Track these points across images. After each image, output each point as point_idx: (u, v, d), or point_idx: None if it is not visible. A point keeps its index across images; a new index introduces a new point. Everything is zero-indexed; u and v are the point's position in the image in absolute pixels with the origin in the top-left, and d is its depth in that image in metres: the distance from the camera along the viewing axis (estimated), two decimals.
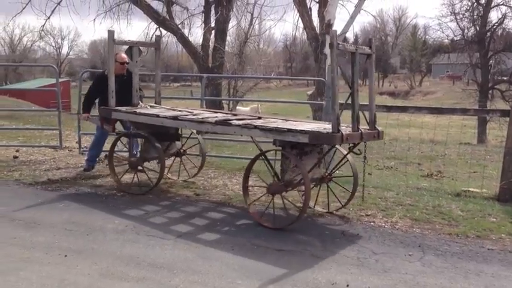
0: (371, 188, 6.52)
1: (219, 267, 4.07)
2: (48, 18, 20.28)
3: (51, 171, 7.27)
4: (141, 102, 6.89)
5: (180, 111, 6.36)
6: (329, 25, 14.11)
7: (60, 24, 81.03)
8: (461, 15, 28.71)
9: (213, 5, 21.70)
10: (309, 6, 15.09)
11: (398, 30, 75.23)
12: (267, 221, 5.10)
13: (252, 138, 5.40)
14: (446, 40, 34.18)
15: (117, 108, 6.44)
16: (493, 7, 28.19)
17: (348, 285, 3.77)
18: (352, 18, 14.85)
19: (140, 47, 7.33)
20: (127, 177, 6.72)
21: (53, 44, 68.29)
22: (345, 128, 4.97)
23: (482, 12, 28.16)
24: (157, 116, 5.95)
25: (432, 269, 4.12)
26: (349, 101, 5.03)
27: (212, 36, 21.80)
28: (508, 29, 29.61)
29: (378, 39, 73.68)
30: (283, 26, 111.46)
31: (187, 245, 4.54)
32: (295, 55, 59.23)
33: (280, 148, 5.12)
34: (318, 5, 14.95)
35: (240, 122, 5.28)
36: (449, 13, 29.22)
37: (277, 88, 53.54)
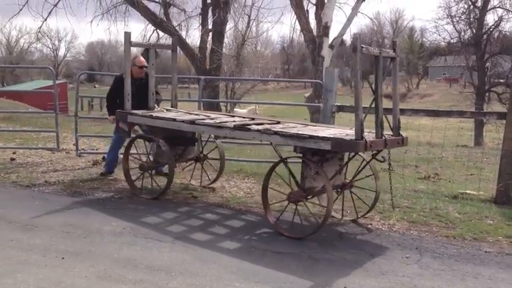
0: (367, 190, 6.51)
1: (216, 269, 4.06)
2: (45, 19, 20.25)
3: (48, 174, 7.25)
4: (158, 106, 6.79)
5: (197, 115, 6.23)
6: (326, 27, 14.16)
7: (57, 25, 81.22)
8: (457, 18, 28.84)
9: (211, 7, 21.70)
10: (306, 9, 15.16)
11: (395, 33, 75.26)
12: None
13: (271, 144, 5.27)
14: (443, 43, 34.38)
15: (133, 111, 6.33)
16: (490, 10, 28.33)
17: (345, 287, 3.78)
18: (349, 20, 14.91)
19: (157, 50, 7.25)
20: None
21: (50, 46, 68.24)
22: (368, 135, 4.79)
23: (478, 15, 28.28)
24: (174, 120, 5.82)
25: (429, 272, 4.12)
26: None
27: (209, 38, 21.82)
28: (505, 31, 29.74)
29: (375, 41, 73.87)
30: (280, 28, 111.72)
31: (185, 247, 4.54)
32: (293, 57, 59.41)
33: (300, 155, 4.93)
34: (315, 7, 15.01)
35: (260, 127, 5.14)
36: (446, 16, 29.37)
37: (275, 90, 53.58)
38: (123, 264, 4.10)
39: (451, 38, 30.17)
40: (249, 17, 23.52)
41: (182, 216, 5.47)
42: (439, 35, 31.79)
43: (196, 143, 6.72)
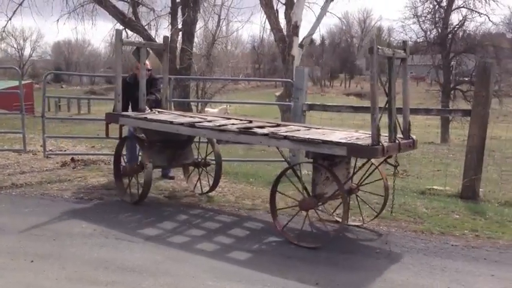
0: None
1: (189, 269, 4.06)
2: (10, 19, 19.73)
3: (15, 176, 7.09)
4: (158, 106, 6.53)
5: (192, 117, 5.97)
6: (296, 27, 14.28)
7: (22, 25, 78.93)
8: (423, 18, 29.44)
9: (180, 7, 21.56)
10: (275, 8, 15.18)
11: (364, 32, 76.45)
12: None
13: (277, 149, 5.04)
14: (409, 42, 34.96)
15: (124, 113, 6.08)
16: (454, 9, 29.02)
17: (317, 284, 3.83)
18: (318, 20, 15.08)
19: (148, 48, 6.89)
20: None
21: (15, 46, 66.54)
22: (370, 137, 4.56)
23: (443, 14, 28.94)
24: (171, 122, 5.50)
25: (398, 265, 4.22)
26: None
27: (179, 37, 21.66)
28: (469, 31, 30.48)
29: (344, 41, 74.78)
30: (250, 27, 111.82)
31: (157, 247, 4.52)
32: (263, 56, 59.51)
33: (307, 160, 4.79)
34: (284, 6, 15.07)
35: (266, 131, 4.87)
36: (412, 15, 29.93)
37: (246, 89, 53.58)
38: (94, 266, 4.05)
39: (418, 38, 30.74)
40: (219, 16, 23.47)
41: (153, 217, 5.43)
42: (406, 34, 32.33)
43: (191, 147, 6.40)
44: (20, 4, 19.00)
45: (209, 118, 5.86)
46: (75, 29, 27.21)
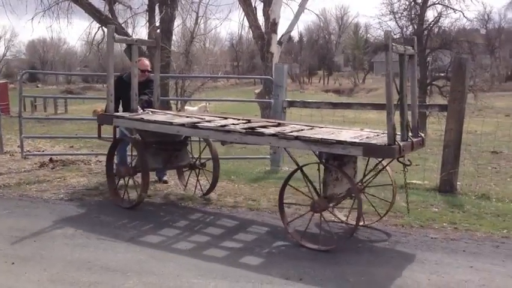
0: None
1: (173, 267, 4.05)
2: None
3: None
4: (143, 107, 6.17)
5: (188, 117, 5.72)
6: (274, 24, 14.32)
7: None
8: (399, 14, 29.85)
9: (157, 4, 21.39)
10: (253, 5, 15.20)
11: (341, 29, 76.99)
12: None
13: (285, 149, 4.85)
14: None
15: (119, 114, 5.81)
16: (429, 6, 29.49)
17: (301, 279, 3.87)
18: (297, 17, 15.16)
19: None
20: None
21: None
22: (381, 136, 4.54)
23: (419, 11, 29.37)
24: (171, 123, 5.24)
25: (380, 259, 4.28)
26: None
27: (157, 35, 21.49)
28: (444, 27, 31.00)
29: (322, 37, 75.16)
30: (228, 25, 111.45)
31: (140, 247, 4.50)
32: (242, 54, 59.49)
33: (313, 161, 4.65)
34: (262, 4, 15.09)
35: (273, 131, 4.69)
36: (389, 12, 30.34)
37: (225, 87, 53.53)
38: (76, 267, 4.02)
39: (394, 34, 31.08)
40: (197, 13, 23.30)
41: (136, 217, 5.39)
42: (383, 30, 32.75)
43: (187, 148, 6.20)
44: None
45: (207, 118, 5.62)
46: (50, 28, 26.83)
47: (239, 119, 5.59)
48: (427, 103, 21.94)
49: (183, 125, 5.16)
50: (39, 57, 71.19)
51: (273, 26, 14.25)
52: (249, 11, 14.80)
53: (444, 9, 29.19)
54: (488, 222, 5.29)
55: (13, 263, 4.07)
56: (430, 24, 29.82)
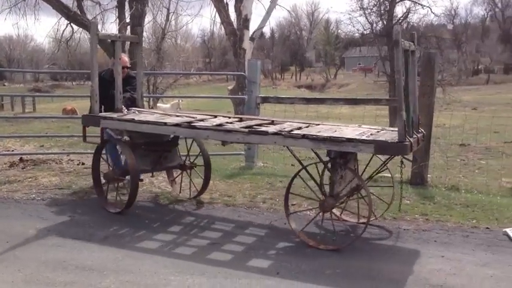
0: (295, 179, 6.73)
1: (150, 265, 4.04)
2: None
3: None
4: (127, 106, 5.91)
5: (178, 116, 5.45)
6: (246, 20, 14.33)
7: None
8: (369, 10, 30.16)
9: (127, 0, 21.12)
10: (225, 1, 15.16)
11: (312, 25, 77.47)
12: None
13: (288, 148, 4.70)
14: (357, 34, 35.73)
15: (107, 115, 5.49)
16: (398, 2, 29.90)
17: (278, 273, 3.91)
18: (268, 13, 15.18)
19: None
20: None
21: None
22: (383, 132, 4.53)
23: (388, 7, 29.76)
24: (165, 124, 4.99)
25: (354, 252, 4.36)
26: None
27: (128, 32, 21.23)
28: (412, 22, 31.53)
29: (293, 33, 75.48)
30: (200, 21, 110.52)
31: (116, 245, 4.47)
32: (214, 50, 59.24)
33: (316, 160, 4.62)
34: (234, 0, 15.07)
35: (275, 130, 4.55)
36: (359, 8, 30.60)
37: (197, 84, 53.25)
38: (52, 267, 3.97)
39: (364, 30, 31.47)
40: (168, 10, 23.11)
41: (110, 216, 5.34)
42: (353, 26, 33.15)
43: (176, 148, 5.94)
44: None
45: (199, 117, 5.35)
46: (17, 25, 26.14)
47: (230, 117, 5.45)
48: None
49: (178, 125, 4.93)
50: (5, 54, 69.36)
51: (245, 22, 14.25)
52: (221, 7, 14.77)
53: (412, 5, 29.70)
54: (458, 213, 5.45)
55: None
56: (399, 20, 30.27)
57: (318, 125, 4.98)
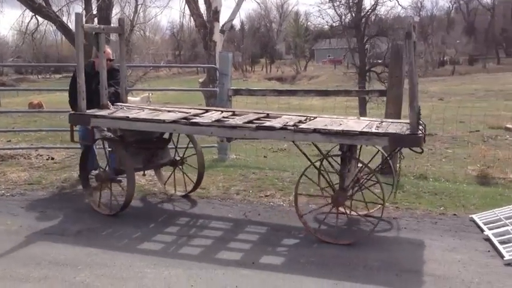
0: (268, 170, 6.80)
1: (125, 258, 4.04)
2: None
3: None
4: (112, 101, 5.64)
5: (170, 111, 5.21)
6: (216, 12, 14.26)
7: None
8: (338, 3, 30.50)
9: None
10: None
11: (282, 17, 77.52)
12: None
13: (294, 143, 4.64)
14: (326, 26, 36.12)
15: (97, 113, 5.16)
16: None
17: (253, 263, 3.96)
18: (238, 5, 15.14)
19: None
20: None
21: None
22: (387, 124, 4.50)
23: None
24: (163, 121, 4.74)
25: (311, 240, 4.42)
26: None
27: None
28: (380, 15, 32.01)
29: (263, 26, 75.42)
30: (169, 13, 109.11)
31: (90, 240, 4.45)
32: (183, 43, 58.68)
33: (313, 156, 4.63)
34: None
35: (279, 125, 4.44)
36: (328, 0, 30.87)
37: (168, 76, 52.68)
38: (24, 263, 3.92)
39: (333, 22, 31.88)
40: (136, 1, 22.84)
41: (82, 210, 5.28)
42: (323, 18, 33.51)
43: (167, 145, 5.75)
44: None
45: (193, 112, 5.13)
46: None
47: (222, 111, 5.31)
48: (367, 89, 22.64)
49: (179, 122, 4.74)
50: None
51: (215, 14, 14.18)
52: None
53: None
54: (427, 200, 5.61)
55: None
56: (368, 12, 30.66)
57: (316, 117, 4.91)
